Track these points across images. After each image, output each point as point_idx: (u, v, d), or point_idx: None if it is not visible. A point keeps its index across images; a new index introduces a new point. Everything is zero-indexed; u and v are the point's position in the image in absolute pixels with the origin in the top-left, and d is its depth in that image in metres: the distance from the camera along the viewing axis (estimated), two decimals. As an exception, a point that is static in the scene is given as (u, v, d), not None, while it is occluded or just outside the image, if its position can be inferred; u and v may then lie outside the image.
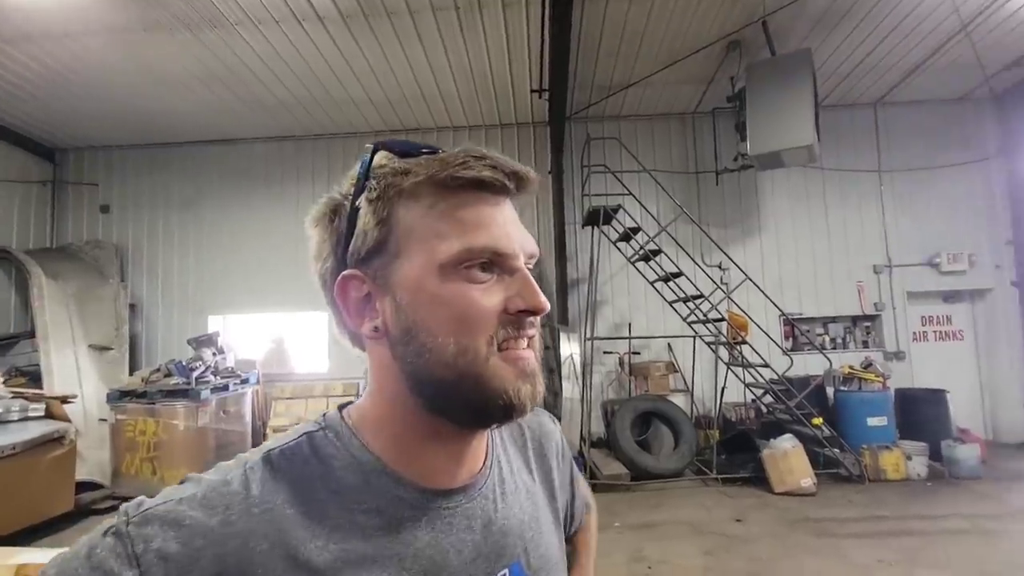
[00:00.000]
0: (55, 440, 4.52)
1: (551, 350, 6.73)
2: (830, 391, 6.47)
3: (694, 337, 6.20)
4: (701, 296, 6.13)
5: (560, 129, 7.02)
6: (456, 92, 6.92)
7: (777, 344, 6.41)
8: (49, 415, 4.70)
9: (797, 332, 6.74)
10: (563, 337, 6.32)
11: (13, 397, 4.67)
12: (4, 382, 5.12)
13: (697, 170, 7.49)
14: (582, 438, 5.81)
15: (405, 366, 0.51)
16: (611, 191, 6.57)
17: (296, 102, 7.04)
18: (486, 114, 7.53)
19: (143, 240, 7.92)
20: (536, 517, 0.63)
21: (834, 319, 7.38)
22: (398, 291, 0.51)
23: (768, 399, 6.17)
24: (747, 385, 6.08)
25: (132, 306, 7.44)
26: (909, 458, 5.50)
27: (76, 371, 6.25)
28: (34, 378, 6.10)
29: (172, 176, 7.99)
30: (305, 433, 0.54)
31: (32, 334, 6.51)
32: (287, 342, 7.74)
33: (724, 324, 6.26)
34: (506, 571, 0.56)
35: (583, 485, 0.91)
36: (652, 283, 6.48)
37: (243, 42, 5.68)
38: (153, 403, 5.31)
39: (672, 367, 6.78)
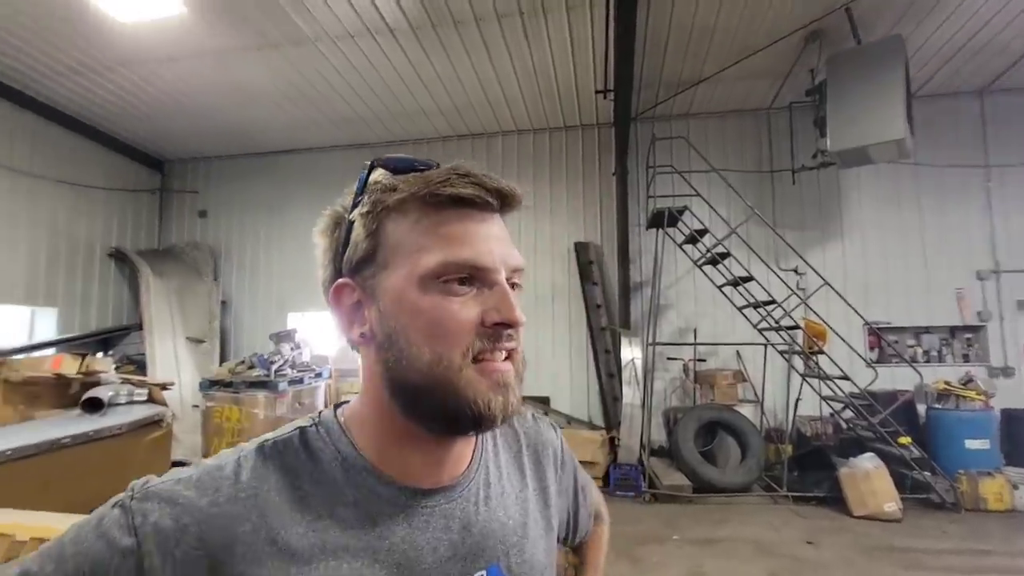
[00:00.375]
0: (155, 423, 5.02)
1: (611, 354, 6.63)
2: (921, 408, 5.90)
3: (765, 345, 5.88)
4: (773, 302, 5.80)
5: (625, 129, 6.89)
6: (521, 96, 7.00)
7: (860, 355, 5.94)
8: (151, 400, 5.22)
9: (884, 343, 6.20)
10: (624, 341, 6.21)
11: (122, 382, 5.24)
12: (116, 369, 5.76)
13: (772, 169, 7.09)
14: (642, 445, 5.67)
15: (386, 371, 0.54)
16: (678, 192, 6.38)
17: (372, 114, 7.43)
18: (550, 116, 7.55)
19: (233, 242, 8.64)
20: (524, 523, 0.64)
21: (927, 329, 6.71)
22: (383, 300, 0.53)
23: (848, 414, 5.73)
24: (824, 398, 5.68)
25: (223, 302, 8.14)
26: (1016, 487, 4.91)
27: (175, 360, 6.94)
28: (140, 366, 6.83)
29: (261, 183, 8.65)
30: (299, 427, 0.57)
31: (140, 326, 7.28)
32: (358, 339, 8.13)
33: (799, 332, 5.89)
34: (483, 572, 0.57)
35: (594, 495, 0.90)
36: (720, 287, 6.22)
37: (322, 58, 6.06)
38: (238, 392, 5.76)
39: (741, 376, 6.45)
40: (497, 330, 0.52)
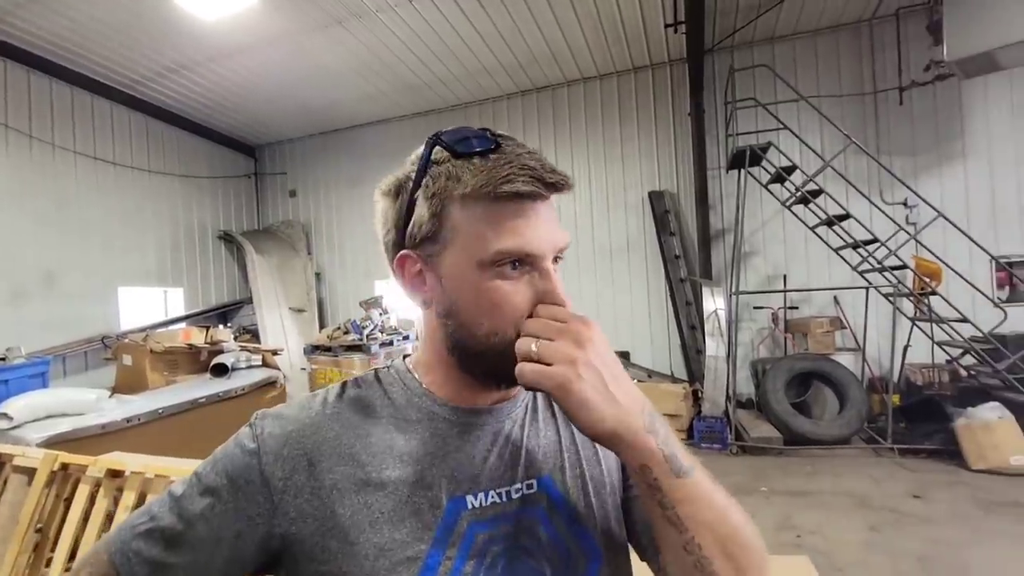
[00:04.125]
0: (270, 384, 5.65)
1: (692, 306, 6.40)
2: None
3: (867, 288, 5.38)
4: (876, 241, 5.26)
5: (699, 64, 6.39)
6: (585, 42, 6.70)
7: (984, 295, 5.25)
8: (265, 364, 5.87)
9: (1016, 279, 5.42)
10: (706, 292, 5.95)
11: (241, 350, 5.92)
12: (234, 338, 6.50)
13: (875, 90, 6.27)
14: (728, 398, 5.49)
15: (447, 333, 0.63)
16: (762, 128, 5.86)
17: (435, 79, 7.49)
18: (617, 60, 7.17)
19: (321, 217, 9.25)
20: (573, 444, 0.71)
21: (1076, 261, 5.77)
22: (444, 275, 0.61)
23: (969, 360, 5.15)
24: (938, 344, 5.13)
25: (317, 274, 8.82)
26: None
27: (282, 329, 7.68)
28: (254, 334, 7.65)
29: (341, 159, 9.10)
30: (375, 369, 0.72)
31: (250, 300, 8.11)
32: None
33: (908, 273, 5.31)
34: (534, 482, 0.65)
35: None
36: (812, 228, 5.72)
37: (384, 28, 6.15)
38: (336, 356, 6.28)
39: (839, 323, 5.98)
40: None
